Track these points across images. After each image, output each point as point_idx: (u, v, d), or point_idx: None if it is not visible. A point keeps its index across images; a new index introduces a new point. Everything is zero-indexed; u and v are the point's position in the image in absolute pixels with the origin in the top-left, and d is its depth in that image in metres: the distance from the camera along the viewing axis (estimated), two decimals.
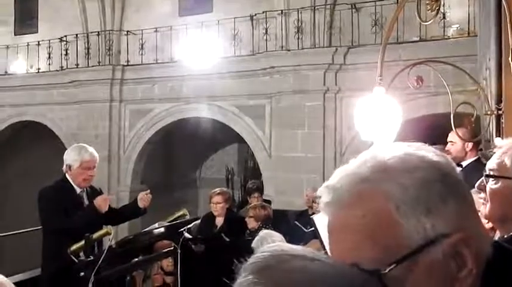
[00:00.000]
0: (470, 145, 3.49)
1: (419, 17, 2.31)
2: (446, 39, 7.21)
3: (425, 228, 0.61)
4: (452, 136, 3.33)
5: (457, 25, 7.29)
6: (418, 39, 7.33)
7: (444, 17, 6.98)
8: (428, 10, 2.27)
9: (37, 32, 11.15)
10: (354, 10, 7.87)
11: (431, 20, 2.40)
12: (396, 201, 0.62)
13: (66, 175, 3.32)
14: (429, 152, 0.67)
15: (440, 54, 5.83)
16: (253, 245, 3.22)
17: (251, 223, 4.33)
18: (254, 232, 3.58)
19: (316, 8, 8.05)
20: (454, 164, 0.70)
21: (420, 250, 0.60)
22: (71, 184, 3.30)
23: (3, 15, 11.58)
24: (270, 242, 3.26)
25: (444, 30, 7.27)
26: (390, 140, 2.04)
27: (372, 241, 0.62)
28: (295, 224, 4.79)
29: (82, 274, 2.31)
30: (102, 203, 3.15)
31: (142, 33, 9.55)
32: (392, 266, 0.60)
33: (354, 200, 0.64)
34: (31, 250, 4.82)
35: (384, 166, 0.65)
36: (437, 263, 0.61)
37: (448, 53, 6.06)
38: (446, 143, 3.64)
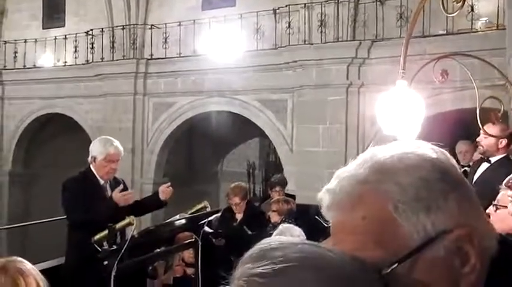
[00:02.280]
0: (504, 141, 3.42)
1: (444, 9, 2.25)
2: (473, 32, 7.01)
3: (425, 226, 0.61)
4: (488, 129, 3.23)
5: (486, 18, 7.08)
6: (444, 32, 7.16)
7: (472, 10, 6.80)
8: (454, 1, 2.22)
9: (64, 26, 11.39)
10: (378, 3, 7.74)
11: (457, 12, 2.34)
12: (395, 201, 0.62)
13: (91, 166, 3.40)
14: (429, 150, 0.67)
15: (467, 48, 5.68)
16: None
17: (274, 217, 4.32)
18: (277, 226, 3.58)
19: (340, 1, 7.95)
20: (454, 161, 0.69)
21: (421, 249, 0.61)
22: (95, 175, 3.37)
23: (32, 10, 11.87)
24: (288, 237, 3.26)
25: (472, 23, 7.07)
26: (413, 135, 2.01)
27: (373, 241, 0.62)
28: (315, 219, 4.77)
29: (105, 262, 2.36)
30: (119, 199, 3.19)
31: (166, 27, 9.63)
32: (393, 266, 0.60)
33: (353, 202, 0.65)
34: (56, 239, 4.96)
35: (382, 166, 0.65)
36: (439, 260, 0.61)
37: (476, 46, 5.90)
38: (472, 138, 3.56)
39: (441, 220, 0.62)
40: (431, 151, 0.67)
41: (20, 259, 1.70)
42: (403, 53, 2.10)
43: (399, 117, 1.99)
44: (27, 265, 1.67)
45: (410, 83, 2.15)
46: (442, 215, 0.62)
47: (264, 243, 0.60)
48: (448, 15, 2.53)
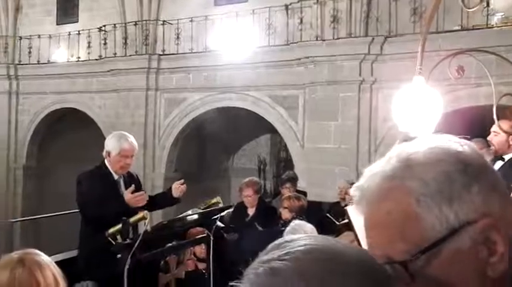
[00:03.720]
0: None
1: (463, 3, 2.21)
2: (489, 28, 6.91)
3: (448, 218, 0.63)
4: (496, 127, 3.20)
5: (501, 13, 6.96)
6: (459, 28, 7.06)
7: (488, 5, 6.69)
8: None
9: (77, 21, 11.49)
10: None
11: (476, 7, 2.31)
12: (417, 195, 0.65)
13: (105, 160, 3.42)
14: (454, 143, 0.69)
15: (483, 43, 5.59)
16: (284, 235, 3.23)
17: (285, 214, 4.32)
18: (288, 223, 3.58)
19: None
20: (479, 153, 0.71)
21: (444, 239, 0.63)
22: (109, 170, 3.40)
23: (46, 5, 11.99)
24: (301, 233, 3.27)
25: (487, 19, 6.97)
26: (429, 132, 1.98)
27: (399, 235, 0.65)
28: (326, 216, 4.77)
29: (119, 256, 2.39)
30: (132, 201, 3.20)
31: (178, 23, 9.66)
32: (417, 257, 0.63)
33: (379, 198, 0.68)
34: (69, 232, 5.02)
35: (407, 162, 0.68)
36: (465, 250, 0.63)
37: (492, 42, 5.81)
38: (486, 136, 3.51)
39: (464, 211, 0.63)
40: (456, 144, 0.69)
41: (37, 251, 1.73)
42: (421, 49, 2.08)
43: (416, 114, 1.97)
44: (44, 258, 1.70)
45: (427, 80, 2.12)
46: (466, 206, 0.64)
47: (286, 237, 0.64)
48: (468, 10, 2.49)
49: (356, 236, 2.21)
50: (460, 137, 0.71)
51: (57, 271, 1.69)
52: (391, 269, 0.64)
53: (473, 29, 6.94)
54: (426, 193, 0.64)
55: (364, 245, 0.72)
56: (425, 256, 0.63)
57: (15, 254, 1.70)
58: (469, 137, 0.74)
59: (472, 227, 0.63)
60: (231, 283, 0.60)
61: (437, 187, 0.64)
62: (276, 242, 0.63)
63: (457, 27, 7.07)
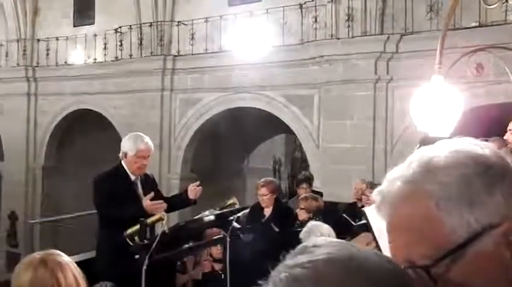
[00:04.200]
0: None
1: (484, 0, 2.17)
2: (507, 24, 6.77)
3: (469, 221, 0.63)
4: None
5: None
6: (476, 24, 6.94)
7: (506, 1, 6.56)
8: None
9: (94, 23, 11.62)
10: None
11: (496, 4, 2.26)
12: (437, 199, 0.65)
13: (122, 161, 3.46)
14: (475, 147, 0.69)
15: (500, 40, 5.47)
16: (301, 236, 3.22)
17: (302, 215, 4.29)
18: (305, 223, 3.57)
19: None
20: (501, 155, 0.70)
21: (466, 244, 0.63)
22: (125, 171, 3.43)
23: (63, 8, 12.16)
24: (317, 234, 3.25)
25: (505, 15, 6.83)
26: (447, 132, 1.95)
27: (420, 238, 0.65)
28: (343, 217, 4.73)
29: (137, 256, 2.41)
30: (150, 209, 3.21)
31: (192, 24, 9.70)
32: (438, 261, 0.63)
33: (400, 202, 0.68)
34: (87, 232, 5.10)
35: (427, 166, 0.68)
36: (487, 254, 0.63)
37: (510, 39, 5.69)
38: (504, 134, 3.45)
39: (485, 214, 0.63)
40: (477, 147, 0.69)
41: (58, 252, 1.76)
42: (440, 47, 2.04)
43: (435, 114, 1.93)
44: (65, 258, 1.72)
45: (445, 78, 2.09)
46: (487, 209, 0.64)
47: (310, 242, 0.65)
48: (488, 7, 2.44)
49: (374, 237, 2.19)
50: (480, 140, 0.71)
51: (77, 272, 1.72)
52: (413, 274, 0.64)
53: (491, 26, 6.81)
54: (446, 196, 0.64)
55: (382, 246, 0.74)
56: (447, 261, 0.63)
57: (37, 255, 1.73)
58: (488, 139, 0.73)
59: (494, 231, 0.63)
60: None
61: (457, 191, 0.64)
62: (303, 245, 0.64)
63: (474, 24, 6.95)
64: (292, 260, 0.61)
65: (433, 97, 1.98)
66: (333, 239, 0.70)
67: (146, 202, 3.25)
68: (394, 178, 0.70)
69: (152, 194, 3.32)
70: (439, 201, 0.64)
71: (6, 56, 12.67)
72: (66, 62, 11.80)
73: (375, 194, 0.73)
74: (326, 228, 3.20)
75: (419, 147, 0.75)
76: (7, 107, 12.77)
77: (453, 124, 2.01)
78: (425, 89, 2.04)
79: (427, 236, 0.65)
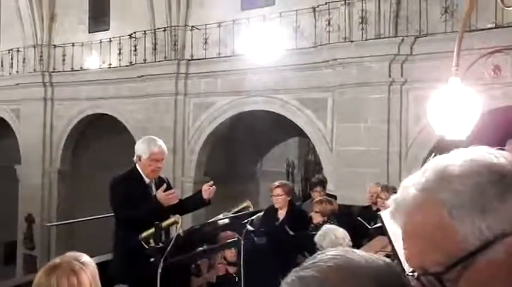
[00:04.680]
0: None
1: (502, 2, 2.14)
2: None
3: (480, 229, 0.64)
4: None
5: None
6: (493, 26, 6.84)
7: None
8: None
9: (109, 29, 11.77)
10: None
11: None
12: (449, 207, 0.66)
13: (137, 165, 3.49)
14: (489, 155, 0.69)
15: None
16: (315, 239, 3.20)
17: (316, 218, 4.27)
18: (319, 227, 3.55)
19: None
20: None
21: (478, 251, 0.63)
22: (140, 174, 3.46)
23: (79, 14, 12.36)
24: (332, 238, 3.24)
25: None
26: (464, 135, 1.93)
27: (433, 246, 0.66)
28: (358, 220, 4.70)
29: (152, 259, 2.43)
30: (163, 199, 3.25)
31: (206, 28, 9.76)
32: (451, 269, 0.64)
33: (413, 209, 0.69)
34: (103, 234, 5.15)
35: (441, 174, 0.69)
36: (499, 262, 0.63)
37: None
38: None
39: (498, 222, 0.64)
40: (491, 155, 0.70)
41: (76, 256, 1.78)
42: (457, 49, 2.02)
43: (452, 116, 1.91)
44: (83, 260, 1.75)
45: (461, 80, 2.06)
46: (499, 216, 0.64)
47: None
48: (506, 8, 2.40)
49: (390, 240, 2.17)
50: (497, 149, 0.72)
51: (94, 275, 1.74)
52: (426, 281, 0.65)
53: (508, 27, 6.71)
54: (458, 204, 0.65)
55: (398, 250, 0.76)
56: (459, 268, 0.64)
57: (57, 259, 1.76)
58: (505, 148, 0.73)
59: (507, 239, 0.63)
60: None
61: (470, 199, 0.65)
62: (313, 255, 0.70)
63: (490, 25, 6.86)
64: (305, 263, 0.69)
65: (450, 100, 1.95)
66: (345, 242, 0.77)
67: (160, 193, 3.29)
68: (408, 186, 0.72)
69: (165, 185, 3.37)
70: (452, 209, 0.65)
71: (24, 61, 12.91)
72: (81, 68, 11.97)
73: (390, 202, 0.74)
74: (341, 231, 3.18)
75: (435, 155, 0.75)
76: (24, 112, 13.00)
77: (471, 127, 1.98)
78: (442, 91, 2.02)
79: (440, 243, 0.66)
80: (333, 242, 3.10)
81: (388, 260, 0.72)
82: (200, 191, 3.57)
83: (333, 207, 4.38)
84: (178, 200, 3.32)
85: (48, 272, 1.69)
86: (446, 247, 0.65)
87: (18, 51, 12.99)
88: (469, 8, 2.30)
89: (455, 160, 0.70)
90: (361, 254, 0.70)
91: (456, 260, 0.64)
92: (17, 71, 13.08)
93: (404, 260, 0.71)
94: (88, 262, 1.76)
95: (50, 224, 11.22)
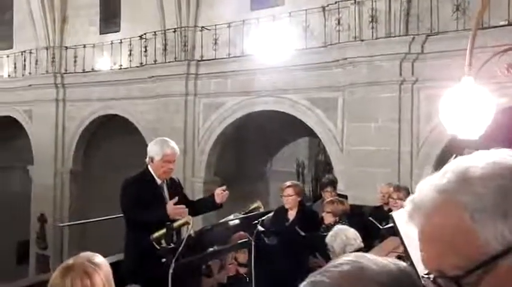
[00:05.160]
0: None
1: None
2: None
3: (503, 234, 0.63)
4: None
5: None
6: (505, 23, 6.75)
7: None
8: None
9: (119, 30, 11.86)
10: None
11: None
12: (471, 210, 0.64)
13: (149, 166, 3.51)
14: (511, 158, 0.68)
15: None
16: (326, 240, 3.19)
17: (328, 218, 4.25)
18: (330, 227, 3.53)
19: None
20: None
21: (499, 256, 0.62)
22: (152, 175, 3.48)
23: (90, 16, 12.47)
24: (343, 238, 3.23)
25: None
26: (478, 134, 1.90)
27: (452, 249, 0.65)
28: (369, 220, 4.67)
29: (164, 260, 2.44)
30: (172, 212, 3.25)
31: (215, 29, 9.78)
32: (471, 273, 0.63)
33: (433, 211, 0.68)
34: (114, 234, 5.19)
35: (461, 176, 0.67)
36: None
37: None
38: None
39: None
40: None
41: (90, 257, 1.80)
42: (470, 47, 1.99)
43: (465, 115, 1.88)
44: (96, 261, 1.77)
45: (474, 78, 2.03)
46: None
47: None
48: None
49: (402, 241, 2.15)
50: None
51: (107, 276, 1.75)
52: (444, 284, 0.65)
53: None
54: (480, 208, 0.64)
55: (411, 250, 0.75)
56: (479, 272, 0.63)
57: (70, 260, 1.78)
58: None
59: None
60: None
61: (492, 202, 0.64)
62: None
63: (503, 23, 6.77)
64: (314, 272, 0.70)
65: (463, 99, 1.93)
66: (357, 243, 0.79)
67: (170, 206, 3.30)
68: (427, 187, 0.71)
69: (176, 198, 3.36)
70: (474, 212, 0.64)
71: (36, 63, 13.07)
72: (93, 69, 12.08)
73: (407, 203, 0.73)
74: (352, 232, 3.16)
75: (456, 157, 0.74)
76: (36, 113, 13.16)
77: (484, 126, 1.95)
78: (455, 90, 1.99)
79: (460, 247, 0.64)
80: (344, 242, 3.08)
81: (402, 264, 0.71)
82: (213, 194, 3.58)
83: (344, 207, 4.36)
84: (186, 214, 3.31)
85: (63, 274, 1.71)
86: (467, 251, 0.64)
87: (30, 53, 13.15)
88: (482, 6, 2.27)
89: (477, 162, 0.68)
90: (373, 259, 0.69)
91: (477, 265, 0.63)
92: (30, 73, 13.24)
93: (420, 261, 0.70)
94: (102, 263, 1.77)
95: (62, 224, 11.35)
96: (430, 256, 0.68)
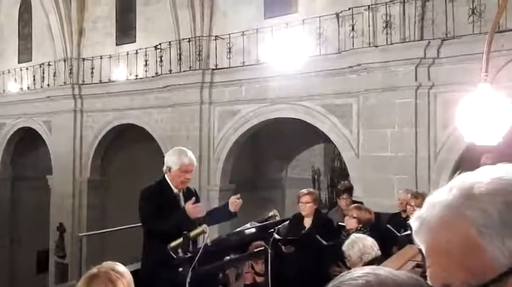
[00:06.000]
0: None
1: None
2: None
3: (510, 249, 0.63)
4: None
5: None
6: None
7: None
8: None
9: (135, 41, 12.04)
10: None
11: None
12: (478, 226, 0.64)
13: (166, 175, 3.54)
14: None
15: None
16: (343, 248, 3.16)
17: (352, 224, 4.16)
18: (350, 234, 3.49)
19: (406, 0, 7.68)
20: None
21: (509, 273, 0.62)
22: (169, 185, 3.50)
23: (106, 28, 12.70)
24: (361, 247, 3.19)
25: None
26: (496, 140, 1.87)
27: (460, 264, 0.65)
28: (387, 228, 4.61)
29: (180, 269, 2.45)
30: (191, 211, 3.28)
31: (229, 38, 9.85)
32: None
33: (439, 227, 0.68)
34: (131, 243, 5.23)
35: (468, 192, 0.68)
36: None
37: None
38: None
39: None
40: None
41: (112, 265, 1.83)
42: (486, 53, 1.96)
43: (482, 122, 1.86)
44: (119, 270, 1.80)
45: (491, 82, 2.00)
46: None
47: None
48: None
49: (420, 249, 2.13)
50: None
51: (129, 285, 1.78)
52: None
53: None
54: (488, 224, 0.64)
55: None
56: None
57: (95, 268, 1.82)
58: None
59: None
60: None
61: (499, 218, 0.64)
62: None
63: None
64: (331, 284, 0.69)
65: (480, 106, 1.90)
66: (374, 251, 0.77)
67: (189, 205, 3.32)
68: (434, 203, 0.71)
69: (194, 199, 3.40)
70: (481, 228, 0.64)
71: (54, 75, 13.34)
72: (109, 79, 12.26)
73: (414, 219, 0.73)
74: (370, 241, 3.12)
75: (461, 172, 0.73)
76: (55, 124, 13.41)
77: (502, 133, 1.92)
78: (472, 97, 1.97)
79: (467, 263, 0.64)
80: (361, 251, 3.04)
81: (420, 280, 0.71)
82: (227, 203, 3.59)
83: (370, 217, 4.28)
84: (204, 213, 3.34)
85: (88, 282, 1.74)
86: (474, 267, 0.63)
87: (49, 65, 13.44)
88: (499, 10, 2.24)
89: (482, 178, 0.68)
90: (389, 272, 0.69)
91: (485, 282, 0.62)
92: (48, 85, 13.52)
93: (428, 278, 0.70)
94: (124, 272, 1.80)
95: (81, 234, 11.48)
96: (437, 271, 0.67)
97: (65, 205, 12.92)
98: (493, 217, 0.64)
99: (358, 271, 0.69)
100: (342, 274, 0.70)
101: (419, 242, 0.72)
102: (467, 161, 6.70)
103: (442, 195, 0.70)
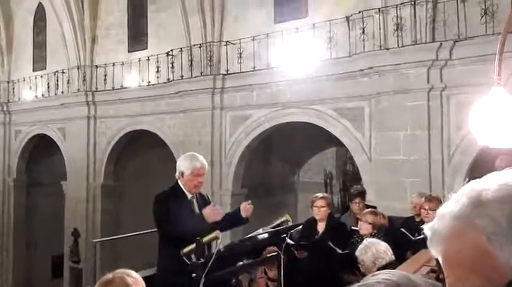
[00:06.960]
0: None
1: None
2: None
3: None
4: None
5: None
6: None
7: None
8: None
9: (147, 48, 12.17)
10: (459, 0, 7.31)
11: None
12: (488, 233, 0.65)
13: (179, 181, 3.58)
14: None
15: None
16: (356, 253, 3.14)
17: (366, 229, 4.15)
18: (363, 239, 3.47)
19: (416, 2, 7.64)
20: None
21: None
22: (182, 190, 3.54)
23: (118, 35, 12.86)
24: (374, 252, 3.17)
25: None
26: (510, 144, 1.85)
27: (473, 273, 0.66)
28: (401, 231, 4.57)
29: (194, 275, 2.46)
30: (210, 214, 3.31)
31: (240, 43, 9.90)
32: None
33: (449, 237, 0.69)
34: (145, 248, 5.27)
35: (476, 201, 0.68)
36: None
37: None
38: None
39: None
40: None
41: (127, 272, 1.86)
42: (499, 54, 1.94)
43: (496, 125, 1.84)
44: (132, 278, 1.82)
45: (504, 85, 1.98)
46: None
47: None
48: None
49: (436, 259, 2.11)
50: None
51: None
52: None
53: None
54: (497, 231, 0.65)
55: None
56: None
57: (109, 275, 1.85)
58: None
59: None
60: None
61: (508, 225, 0.64)
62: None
63: None
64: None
65: (493, 109, 1.88)
66: (388, 256, 0.81)
67: (206, 209, 3.36)
68: (443, 214, 0.72)
69: (212, 204, 3.43)
70: (490, 235, 0.65)
71: (68, 82, 13.54)
72: (122, 86, 12.40)
73: (426, 230, 0.75)
74: (383, 245, 3.10)
75: (469, 180, 0.75)
76: (69, 130, 13.59)
77: None
78: (485, 101, 1.95)
79: (480, 270, 0.66)
80: (374, 256, 3.03)
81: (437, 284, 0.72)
82: (238, 209, 3.61)
83: (385, 222, 4.28)
84: (221, 217, 3.38)
85: (104, 286, 1.77)
86: (489, 274, 0.64)
87: (63, 72, 13.64)
88: (511, 11, 2.22)
89: (489, 185, 0.69)
90: (406, 276, 0.70)
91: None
92: (62, 92, 13.72)
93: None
94: (138, 278, 1.83)
95: (96, 240, 11.60)
96: (453, 280, 0.68)
97: (79, 210, 13.06)
98: (502, 224, 0.65)
99: (378, 275, 0.71)
100: (366, 277, 0.71)
101: (435, 253, 0.73)
102: (482, 164, 6.62)
103: (451, 205, 0.71)
